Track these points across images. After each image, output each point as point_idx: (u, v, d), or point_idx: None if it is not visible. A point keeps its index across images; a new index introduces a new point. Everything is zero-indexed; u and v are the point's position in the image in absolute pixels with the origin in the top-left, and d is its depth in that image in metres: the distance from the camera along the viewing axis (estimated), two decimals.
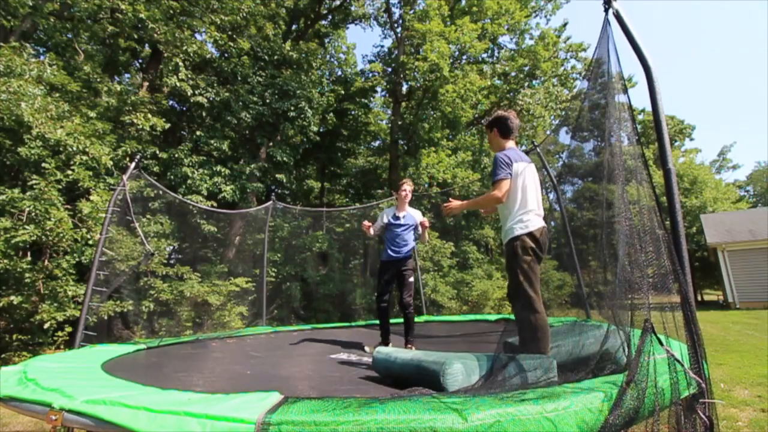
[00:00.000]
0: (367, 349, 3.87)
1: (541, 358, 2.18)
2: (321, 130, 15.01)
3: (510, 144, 2.73)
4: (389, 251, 3.93)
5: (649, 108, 1.73)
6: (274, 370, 2.97)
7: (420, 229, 3.98)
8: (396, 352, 2.52)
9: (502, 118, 2.74)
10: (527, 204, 2.51)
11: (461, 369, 2.01)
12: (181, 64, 9.82)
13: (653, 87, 1.68)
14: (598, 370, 1.88)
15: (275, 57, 11.88)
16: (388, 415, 1.28)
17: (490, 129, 2.81)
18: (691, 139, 32.73)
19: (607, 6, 1.91)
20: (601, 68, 2.33)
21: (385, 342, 3.82)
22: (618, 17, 1.86)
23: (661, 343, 1.53)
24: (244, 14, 11.23)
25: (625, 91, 1.98)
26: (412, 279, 3.90)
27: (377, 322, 4.04)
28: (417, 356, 2.31)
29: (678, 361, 1.50)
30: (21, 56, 6.83)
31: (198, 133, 10.30)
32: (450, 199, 2.65)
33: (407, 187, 4.02)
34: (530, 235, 2.43)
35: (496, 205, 2.59)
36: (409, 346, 3.71)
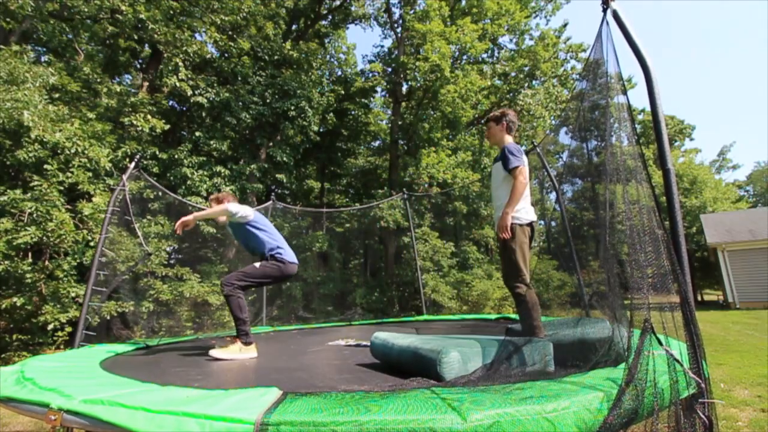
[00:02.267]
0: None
1: (539, 342, 2.22)
2: (321, 130, 15.01)
3: (510, 139, 2.90)
4: None
5: (648, 108, 1.73)
6: (273, 362, 2.96)
7: None
8: (393, 338, 2.52)
9: (510, 114, 2.92)
10: (526, 196, 2.72)
11: (458, 357, 2.02)
12: (181, 64, 9.82)
13: (652, 87, 1.67)
14: (597, 363, 1.89)
15: (275, 57, 11.89)
16: (387, 416, 1.28)
17: (497, 122, 2.94)
18: (691, 139, 32.74)
19: (605, 6, 1.91)
20: (600, 69, 2.33)
21: None
22: (616, 17, 1.86)
23: (660, 343, 1.53)
24: (244, 14, 11.23)
25: (624, 91, 1.98)
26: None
27: (378, 321, 4.13)
28: (414, 343, 2.30)
29: (677, 361, 1.49)
30: (22, 60, 6.82)
31: (198, 133, 10.30)
32: (501, 231, 2.64)
33: None
34: (529, 224, 2.69)
35: (502, 193, 2.74)
36: None
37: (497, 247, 3.05)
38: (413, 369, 2.15)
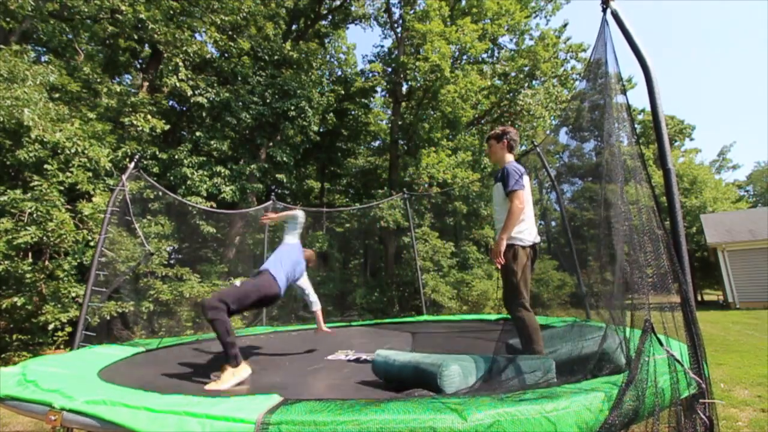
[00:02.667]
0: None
1: (541, 358, 2.20)
2: (321, 130, 15.02)
3: (511, 158, 2.86)
4: None
5: (649, 108, 1.74)
6: (271, 375, 2.94)
7: None
8: (395, 354, 2.51)
9: (512, 132, 2.87)
10: (529, 216, 2.67)
11: (458, 371, 2.02)
12: (181, 64, 9.82)
13: (652, 87, 1.67)
14: (597, 371, 1.89)
15: (275, 57, 11.89)
16: (388, 415, 1.28)
17: (498, 140, 2.89)
18: (691, 139, 32.74)
19: (605, 6, 1.91)
20: (600, 69, 2.33)
21: None
22: (616, 17, 1.86)
23: (660, 344, 1.53)
24: (244, 14, 11.23)
25: (624, 91, 1.98)
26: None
27: (376, 321, 4.12)
28: (415, 358, 2.31)
29: (678, 361, 1.50)
30: (22, 59, 6.83)
31: (198, 133, 10.30)
32: (493, 253, 2.61)
33: None
34: (531, 245, 2.63)
35: (504, 214, 2.66)
36: None
37: (496, 269, 2.96)
38: (414, 384, 2.15)
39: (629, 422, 1.32)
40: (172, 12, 9.53)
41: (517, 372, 2.05)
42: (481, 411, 1.28)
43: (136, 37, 9.53)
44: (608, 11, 1.89)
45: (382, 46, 20.47)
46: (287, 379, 2.78)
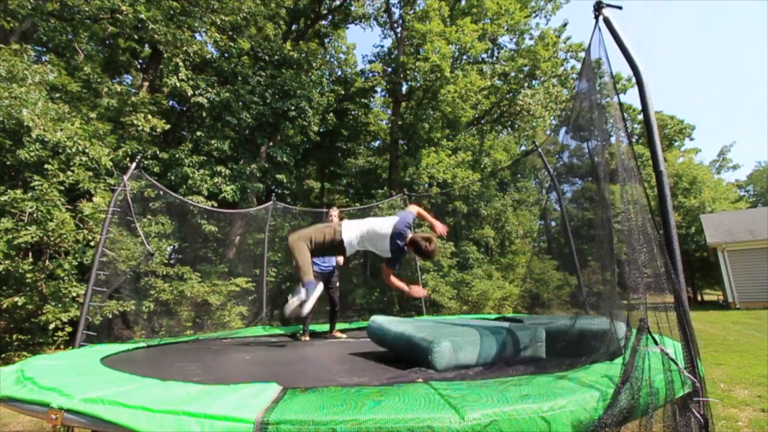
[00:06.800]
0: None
1: (531, 329, 2.31)
2: (321, 130, 15.02)
3: None
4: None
5: None
6: (273, 354, 2.97)
7: None
8: (389, 323, 2.61)
9: None
10: None
11: (449, 347, 2.09)
12: (181, 64, 9.83)
13: (644, 91, 1.69)
14: (598, 355, 1.93)
15: (275, 57, 11.90)
16: (386, 414, 1.29)
17: None
18: (691, 139, 32.73)
19: (597, 13, 1.93)
20: (599, 70, 2.34)
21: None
22: (607, 23, 1.88)
23: (656, 342, 1.55)
24: (244, 14, 11.24)
25: (617, 93, 2.00)
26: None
27: None
28: (408, 330, 2.39)
29: (672, 360, 1.51)
30: (22, 59, 6.83)
31: (198, 133, 10.31)
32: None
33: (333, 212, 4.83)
34: None
35: None
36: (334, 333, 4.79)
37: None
38: (407, 355, 2.22)
39: (623, 421, 1.34)
40: (172, 12, 9.54)
41: (510, 344, 2.12)
42: (478, 410, 1.29)
43: (136, 37, 9.53)
44: (600, 18, 1.91)
45: (382, 46, 20.48)
46: (288, 355, 2.82)
